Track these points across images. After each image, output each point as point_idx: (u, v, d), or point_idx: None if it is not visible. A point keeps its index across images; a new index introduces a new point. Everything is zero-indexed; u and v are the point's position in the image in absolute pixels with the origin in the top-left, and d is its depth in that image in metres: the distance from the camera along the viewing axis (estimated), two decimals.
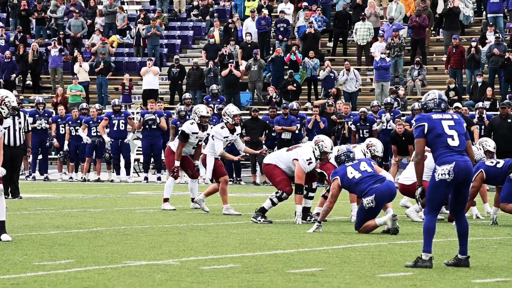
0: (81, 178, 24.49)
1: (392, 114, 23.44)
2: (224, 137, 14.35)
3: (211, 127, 23.44)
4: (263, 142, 23.52)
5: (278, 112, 24.23)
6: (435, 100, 8.51)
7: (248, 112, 25.14)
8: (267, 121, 23.76)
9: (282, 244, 10.21)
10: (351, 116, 23.68)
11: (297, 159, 12.69)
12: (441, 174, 8.24)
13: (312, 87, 28.79)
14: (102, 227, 11.91)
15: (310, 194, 13.07)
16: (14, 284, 7.20)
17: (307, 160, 12.66)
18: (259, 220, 12.80)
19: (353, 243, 10.47)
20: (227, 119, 14.41)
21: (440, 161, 8.28)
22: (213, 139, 14.39)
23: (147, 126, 23.61)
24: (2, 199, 10.17)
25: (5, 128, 10.19)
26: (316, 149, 12.75)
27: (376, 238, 11.06)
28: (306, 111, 26.81)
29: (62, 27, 33.51)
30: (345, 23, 30.66)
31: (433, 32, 30.86)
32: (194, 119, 15.02)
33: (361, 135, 23.00)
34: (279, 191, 12.81)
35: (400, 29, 29.42)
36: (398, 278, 7.78)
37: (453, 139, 8.32)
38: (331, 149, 12.79)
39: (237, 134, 14.57)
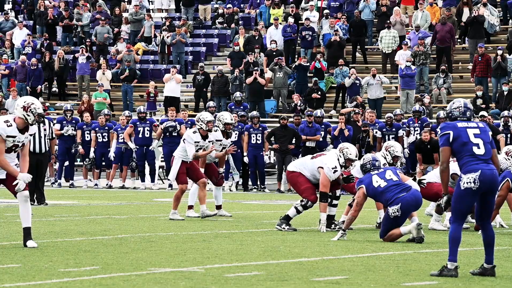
0: (106, 184, 24.60)
1: (420, 122, 23.35)
2: (195, 142, 14.39)
3: (235, 134, 23.45)
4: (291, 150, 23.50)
5: (302, 119, 24.19)
6: (460, 108, 8.47)
7: (277, 120, 25.17)
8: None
9: (307, 252, 10.19)
10: (376, 124, 23.61)
11: (322, 167, 12.67)
12: (467, 183, 8.20)
13: (341, 95, 28.77)
14: (127, 234, 11.95)
15: (334, 202, 13.05)
16: None
17: (332, 168, 12.64)
18: (284, 228, 12.79)
19: (378, 251, 10.43)
20: (201, 125, 14.48)
21: (465, 169, 8.24)
22: (184, 143, 14.44)
23: (167, 134, 23.65)
24: (27, 205, 10.22)
25: (30, 135, 10.25)
26: (340, 156, 12.73)
27: (401, 246, 11.02)
28: (331, 118, 26.77)
29: (88, 34, 33.69)
30: (360, 31, 30.60)
31: (458, 40, 30.75)
32: (218, 127, 15.06)
33: (387, 141, 22.87)
34: (304, 199, 12.79)
35: (426, 37, 29.34)
36: (424, 287, 7.74)
37: (478, 148, 8.28)
38: (356, 156, 12.81)
39: (209, 141, 14.59)
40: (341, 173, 12.82)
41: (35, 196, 17.29)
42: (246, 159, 23.62)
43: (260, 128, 23.71)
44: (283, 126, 23.45)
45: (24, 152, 10.24)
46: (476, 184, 8.19)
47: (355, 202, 11.73)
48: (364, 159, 12.16)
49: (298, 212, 12.85)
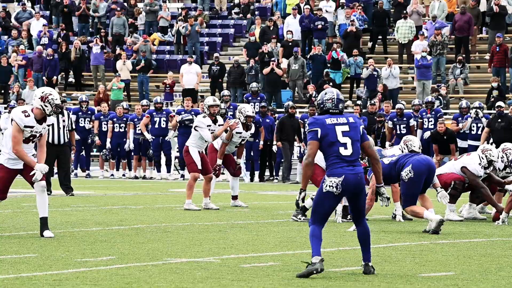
0: (123, 175, 24.66)
1: (433, 113, 23.22)
2: (207, 126, 14.53)
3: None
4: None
5: (295, 110, 24.03)
6: (333, 100, 7.89)
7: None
8: (306, 119, 23.68)
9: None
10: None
11: None
12: (329, 186, 7.74)
13: (355, 85, 28.71)
14: (143, 224, 11.98)
15: None
16: (56, 280, 7.26)
17: None
18: (300, 219, 12.79)
19: (394, 242, 10.42)
20: (206, 111, 14.69)
21: (329, 172, 7.77)
22: (196, 130, 14.55)
23: (183, 124, 23.65)
24: (44, 195, 10.26)
25: (48, 126, 10.28)
26: None
27: (417, 237, 11.00)
28: (347, 109, 26.71)
29: (105, 25, 33.73)
30: (383, 21, 30.51)
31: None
32: (239, 119, 15.05)
33: (398, 131, 22.83)
34: None
35: (442, 27, 29.23)
36: (440, 278, 7.72)
37: (345, 148, 7.76)
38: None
39: (219, 125, 14.75)
40: None
41: (51, 186, 17.34)
42: (275, 148, 23.62)
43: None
44: (291, 115, 23.32)
45: (41, 142, 10.27)
46: (338, 190, 7.73)
47: (370, 191, 11.74)
48: None
49: None
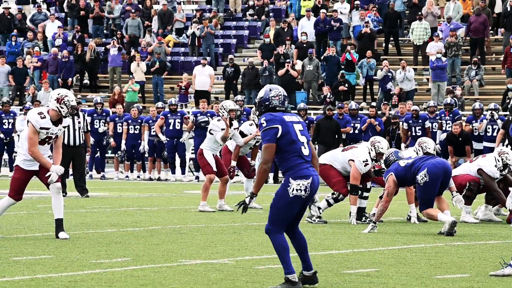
0: (138, 177, 24.72)
1: (451, 115, 23.15)
2: (222, 129, 14.50)
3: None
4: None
5: (334, 112, 24.08)
6: (279, 96, 7.22)
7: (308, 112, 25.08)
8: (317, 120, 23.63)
9: (337, 245, 10.18)
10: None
11: (353, 160, 12.67)
12: (297, 190, 7.05)
13: (368, 87, 28.67)
14: (158, 226, 12.00)
15: (365, 194, 13.04)
16: (71, 281, 7.29)
17: (363, 161, 12.64)
18: (314, 220, 12.79)
19: (409, 244, 10.40)
20: (223, 113, 14.65)
21: (296, 174, 7.08)
22: (211, 133, 14.54)
23: (199, 127, 23.70)
24: (60, 197, 10.29)
25: (64, 127, 10.32)
26: (372, 150, 12.73)
27: (432, 239, 10.98)
28: (362, 110, 26.69)
29: (119, 26, 33.81)
30: (395, 22, 30.45)
31: (491, 32, 30.51)
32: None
33: (414, 133, 22.79)
34: (335, 192, 12.80)
35: (457, 28, 29.15)
36: (455, 280, 7.70)
37: (304, 147, 7.14)
38: (387, 150, 12.84)
39: (234, 129, 14.75)
40: (372, 166, 12.81)
41: (66, 187, 17.39)
42: None
43: (307, 121, 23.69)
44: (328, 117, 23.19)
45: (57, 144, 10.31)
46: (307, 193, 7.09)
47: (386, 193, 11.74)
48: (385, 154, 12.39)
49: (329, 205, 12.86)
